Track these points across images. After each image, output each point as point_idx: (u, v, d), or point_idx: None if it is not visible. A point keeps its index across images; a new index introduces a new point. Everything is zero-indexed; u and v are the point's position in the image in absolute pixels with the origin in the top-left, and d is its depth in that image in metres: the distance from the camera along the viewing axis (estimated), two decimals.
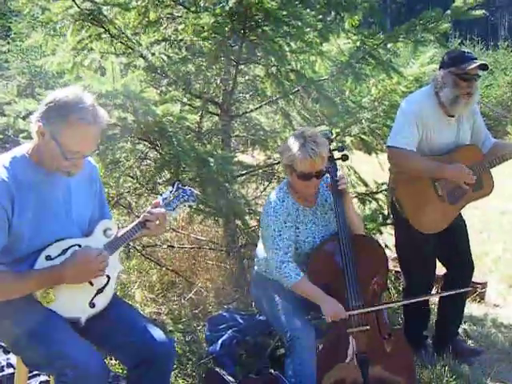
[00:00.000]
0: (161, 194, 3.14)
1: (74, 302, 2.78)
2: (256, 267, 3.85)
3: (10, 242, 2.62)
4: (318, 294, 3.41)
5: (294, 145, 3.46)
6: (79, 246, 2.79)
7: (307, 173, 3.46)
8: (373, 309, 3.48)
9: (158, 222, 3.00)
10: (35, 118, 2.63)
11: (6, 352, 3.64)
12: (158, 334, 2.87)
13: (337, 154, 3.74)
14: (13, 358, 3.50)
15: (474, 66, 3.79)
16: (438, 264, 4.29)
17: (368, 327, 3.48)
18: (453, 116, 3.98)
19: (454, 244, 4.16)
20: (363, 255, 3.58)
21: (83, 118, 2.58)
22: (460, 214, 4.15)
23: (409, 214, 3.98)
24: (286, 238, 3.48)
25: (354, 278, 3.48)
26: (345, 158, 3.77)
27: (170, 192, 3.11)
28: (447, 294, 4.04)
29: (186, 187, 3.16)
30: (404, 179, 4.01)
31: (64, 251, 2.74)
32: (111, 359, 3.79)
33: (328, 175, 3.64)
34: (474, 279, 5.02)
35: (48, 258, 2.69)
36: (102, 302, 2.87)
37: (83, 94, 2.65)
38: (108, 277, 2.89)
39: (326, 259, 3.59)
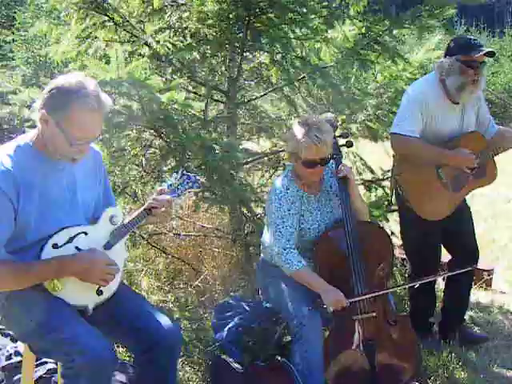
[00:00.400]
0: (166, 181, 3.15)
1: (82, 289, 2.78)
2: (262, 254, 3.85)
3: (17, 230, 2.62)
4: (319, 283, 3.41)
5: (299, 132, 3.46)
6: (85, 233, 2.79)
7: (312, 160, 3.46)
8: (373, 295, 3.47)
9: (163, 209, 3.00)
10: (38, 106, 2.62)
11: (14, 340, 3.65)
12: (164, 320, 2.88)
13: (341, 141, 3.74)
14: (20, 347, 3.51)
15: (481, 53, 3.77)
16: (443, 251, 4.29)
17: (374, 314, 3.48)
18: (457, 103, 3.97)
19: (458, 230, 4.15)
20: (368, 242, 3.58)
21: (87, 103, 2.57)
22: (464, 199, 4.15)
23: (412, 201, 3.98)
24: (288, 226, 3.48)
25: (359, 265, 3.48)
26: (349, 144, 3.78)
27: (175, 178, 3.11)
28: (450, 274, 4.03)
29: (190, 173, 3.16)
30: (407, 166, 4.00)
31: (71, 239, 2.74)
32: (118, 346, 3.80)
33: (333, 162, 3.64)
34: (480, 266, 5.04)
35: (55, 246, 2.70)
36: (109, 289, 2.87)
37: (85, 79, 2.64)
38: (115, 264, 2.88)
39: (332, 246, 3.59)
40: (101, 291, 2.83)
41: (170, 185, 3.09)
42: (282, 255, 3.44)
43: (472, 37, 4.09)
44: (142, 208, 2.99)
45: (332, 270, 3.52)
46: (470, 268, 3.94)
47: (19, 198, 2.59)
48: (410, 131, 3.85)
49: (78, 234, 2.77)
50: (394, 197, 4.30)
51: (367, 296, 3.45)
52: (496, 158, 4.07)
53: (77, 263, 2.70)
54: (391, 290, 3.76)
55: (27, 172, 2.63)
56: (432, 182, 3.98)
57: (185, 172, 3.15)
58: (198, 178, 3.18)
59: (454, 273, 3.94)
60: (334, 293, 3.37)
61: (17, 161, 2.61)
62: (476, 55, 3.78)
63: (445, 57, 3.95)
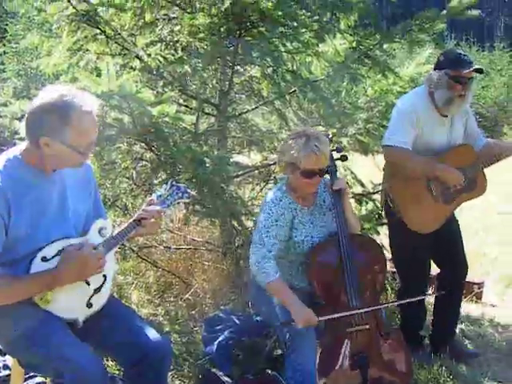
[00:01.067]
0: (155, 192, 3.14)
1: (72, 302, 2.76)
2: None
3: (8, 244, 2.59)
4: (290, 299, 3.37)
5: (297, 142, 3.46)
6: None
7: (310, 170, 3.45)
8: (361, 311, 3.45)
9: (153, 220, 2.98)
10: (29, 131, 2.59)
11: (3, 354, 3.62)
12: (153, 333, 2.86)
13: (336, 155, 3.74)
14: (9, 360, 3.49)
15: (469, 70, 3.82)
16: (433, 264, 4.30)
17: (368, 326, 3.47)
18: (446, 116, 4.00)
19: (447, 244, 4.16)
20: (362, 255, 3.60)
21: (82, 108, 2.56)
22: (453, 213, 4.16)
23: (403, 213, 3.99)
24: (272, 236, 3.46)
25: (353, 278, 3.47)
26: (344, 158, 3.79)
27: (165, 189, 3.11)
28: (438, 293, 4.11)
29: (180, 184, 3.16)
30: (398, 179, 4.02)
31: (59, 252, 2.71)
32: (108, 360, 3.78)
33: (327, 176, 3.65)
34: (471, 279, 5.06)
35: (44, 259, 2.67)
36: (99, 301, 2.85)
37: (62, 88, 2.61)
38: (104, 276, 2.87)
39: (325, 259, 3.57)
40: (91, 304, 2.81)
41: (160, 195, 3.08)
42: (260, 264, 3.41)
43: (462, 52, 4.13)
44: (132, 219, 2.97)
45: (325, 282, 3.51)
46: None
47: (10, 212, 2.56)
48: (402, 143, 3.87)
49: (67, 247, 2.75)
50: (383, 209, 4.31)
51: (348, 313, 3.43)
52: (485, 170, 4.09)
53: (67, 269, 2.66)
54: (383, 305, 3.76)
55: (18, 186, 2.60)
56: (423, 195, 3.99)
57: (174, 183, 3.15)
58: (187, 189, 3.18)
59: (442, 292, 4.00)
60: (303, 310, 3.31)
61: (7, 175, 2.59)
62: (464, 71, 3.82)
63: (434, 70, 3.98)
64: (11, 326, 2.67)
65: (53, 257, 2.69)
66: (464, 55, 3.95)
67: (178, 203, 3.19)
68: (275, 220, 3.49)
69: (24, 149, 2.66)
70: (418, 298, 4.06)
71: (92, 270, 2.75)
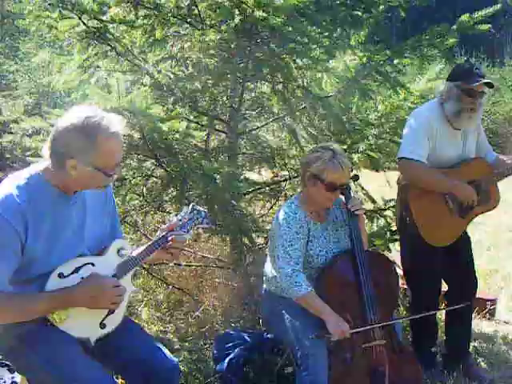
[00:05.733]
0: (176, 215, 3.09)
1: (85, 322, 2.74)
2: (265, 285, 3.82)
3: (23, 263, 2.57)
4: (327, 310, 3.37)
5: (324, 155, 3.49)
6: (92, 264, 2.75)
7: (334, 184, 3.48)
8: (377, 325, 3.45)
9: (177, 245, 2.96)
10: (57, 152, 2.56)
11: (11, 371, 3.61)
12: (163, 353, 2.84)
13: None
14: (18, 377, 3.47)
15: (479, 83, 3.80)
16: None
17: (384, 341, 3.46)
18: (459, 129, 3.99)
19: (458, 260, 4.16)
20: (376, 270, 3.59)
21: (109, 130, 2.54)
22: (465, 230, 4.14)
23: (421, 227, 3.95)
24: (297, 249, 3.46)
25: (370, 293, 3.46)
26: (356, 178, 3.85)
27: (185, 213, 3.04)
28: (450, 308, 4.09)
29: (200, 209, 3.09)
30: (415, 192, 3.99)
31: (77, 269, 2.69)
32: (117, 378, 3.75)
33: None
34: (483, 296, 5.01)
35: (61, 275, 2.65)
36: (112, 322, 2.83)
37: (88, 109, 2.60)
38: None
39: (341, 274, 3.58)
40: (104, 325, 2.79)
41: (180, 220, 3.01)
42: (292, 277, 3.40)
43: (476, 65, 4.12)
44: (151, 242, 2.93)
45: (340, 297, 3.50)
46: (467, 303, 3.94)
47: (27, 232, 2.54)
48: (418, 155, 3.87)
49: (84, 265, 2.73)
50: (398, 223, 4.28)
51: (369, 327, 3.42)
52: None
53: (83, 293, 2.64)
54: (401, 319, 3.73)
55: (38, 205, 2.57)
56: (439, 208, 3.97)
57: (196, 207, 3.08)
58: (207, 213, 3.11)
59: (453, 308, 3.97)
60: (340, 322, 3.33)
61: (27, 193, 2.56)
62: (474, 85, 3.81)
63: (447, 81, 4.00)
64: (23, 345, 2.65)
65: (70, 274, 2.67)
66: (476, 68, 3.94)
67: (198, 228, 3.15)
68: (296, 232, 3.49)
69: (46, 168, 2.62)
70: (433, 312, 4.10)
71: (106, 303, 2.73)
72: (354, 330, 3.36)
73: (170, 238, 2.92)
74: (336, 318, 3.34)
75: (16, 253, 2.53)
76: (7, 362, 3.52)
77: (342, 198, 3.67)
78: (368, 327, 3.42)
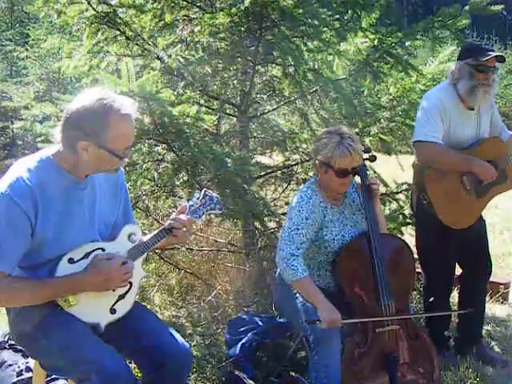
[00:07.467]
0: (187, 201, 3.07)
1: (95, 307, 2.73)
2: (278, 269, 3.80)
3: (33, 247, 2.57)
4: (319, 297, 3.33)
5: (331, 142, 3.45)
6: (103, 249, 2.74)
7: (345, 169, 3.45)
8: (369, 319, 3.43)
9: (184, 229, 2.93)
10: (64, 133, 2.56)
11: (25, 356, 3.63)
12: (175, 338, 2.83)
13: (364, 155, 3.71)
14: (31, 363, 3.49)
15: (489, 57, 3.78)
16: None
17: (398, 326, 3.44)
18: (473, 109, 3.97)
19: (473, 243, 4.13)
20: (392, 254, 3.59)
21: (121, 112, 2.53)
22: (480, 214, 4.11)
23: (439, 210, 3.92)
24: (302, 234, 3.43)
25: (384, 276, 3.44)
26: (373, 158, 3.78)
27: (197, 198, 3.03)
28: (462, 311, 4.15)
29: (213, 194, 3.07)
30: (432, 175, 3.95)
31: (87, 254, 2.69)
32: (130, 363, 3.76)
33: (357, 176, 3.63)
34: (496, 279, 4.98)
35: (71, 260, 2.65)
36: (122, 308, 2.82)
37: (100, 91, 2.58)
38: (130, 283, 2.82)
39: (356, 257, 3.54)
40: (114, 310, 2.78)
41: (192, 205, 3.00)
42: (289, 261, 3.37)
43: (483, 42, 4.10)
44: (162, 227, 2.92)
45: (355, 280, 3.49)
46: (471, 310, 3.91)
47: (37, 215, 2.54)
48: (434, 137, 3.84)
49: (94, 250, 2.72)
50: (414, 206, 4.25)
51: (365, 320, 3.41)
52: None
53: (92, 277, 2.64)
54: (411, 316, 3.68)
55: (48, 188, 2.57)
56: (456, 190, 3.95)
57: (208, 193, 3.06)
58: (219, 199, 3.09)
59: (458, 311, 4.14)
60: (331, 310, 3.28)
61: (38, 176, 2.55)
62: (484, 59, 3.78)
63: (456, 62, 3.97)
64: (36, 330, 2.66)
65: (80, 259, 2.67)
66: (485, 44, 3.93)
67: (210, 214, 3.14)
68: (305, 218, 3.46)
69: (57, 151, 2.62)
70: (448, 313, 4.19)
71: (116, 283, 2.72)
72: (346, 321, 3.31)
73: (173, 222, 2.91)
74: (328, 306, 3.29)
75: (25, 234, 2.52)
76: (21, 348, 3.54)
77: (358, 179, 3.65)
78: (359, 320, 3.40)
